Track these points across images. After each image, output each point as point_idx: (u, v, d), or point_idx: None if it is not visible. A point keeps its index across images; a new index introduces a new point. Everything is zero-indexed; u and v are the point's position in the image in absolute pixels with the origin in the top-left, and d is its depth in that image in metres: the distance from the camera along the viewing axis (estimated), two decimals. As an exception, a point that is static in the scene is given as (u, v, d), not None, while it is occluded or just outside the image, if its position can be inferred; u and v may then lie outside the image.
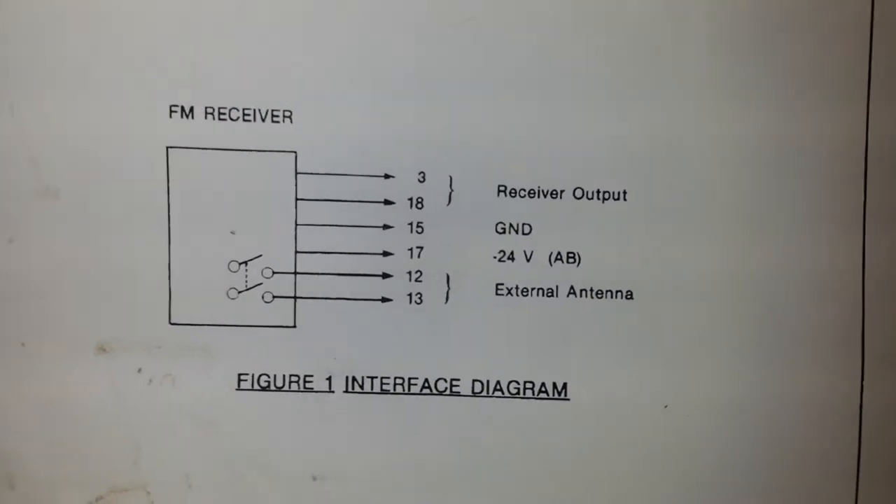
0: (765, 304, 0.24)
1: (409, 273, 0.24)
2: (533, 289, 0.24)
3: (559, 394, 0.24)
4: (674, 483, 0.25)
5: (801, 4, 0.24)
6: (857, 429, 0.25)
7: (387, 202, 0.24)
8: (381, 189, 0.24)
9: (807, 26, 0.24)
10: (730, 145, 0.24)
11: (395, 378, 0.24)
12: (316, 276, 0.24)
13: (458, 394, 0.24)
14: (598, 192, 0.24)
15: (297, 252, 0.24)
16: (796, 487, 0.25)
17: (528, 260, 0.24)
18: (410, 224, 0.24)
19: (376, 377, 0.24)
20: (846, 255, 0.24)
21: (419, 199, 0.24)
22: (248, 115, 0.24)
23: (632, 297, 0.24)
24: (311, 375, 0.24)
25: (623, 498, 0.25)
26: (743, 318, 0.24)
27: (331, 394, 0.24)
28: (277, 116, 0.24)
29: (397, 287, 0.24)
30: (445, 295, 0.24)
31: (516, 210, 0.24)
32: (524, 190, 0.24)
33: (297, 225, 0.24)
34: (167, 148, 0.24)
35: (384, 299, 0.24)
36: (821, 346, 0.24)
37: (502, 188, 0.24)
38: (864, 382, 0.24)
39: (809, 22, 0.24)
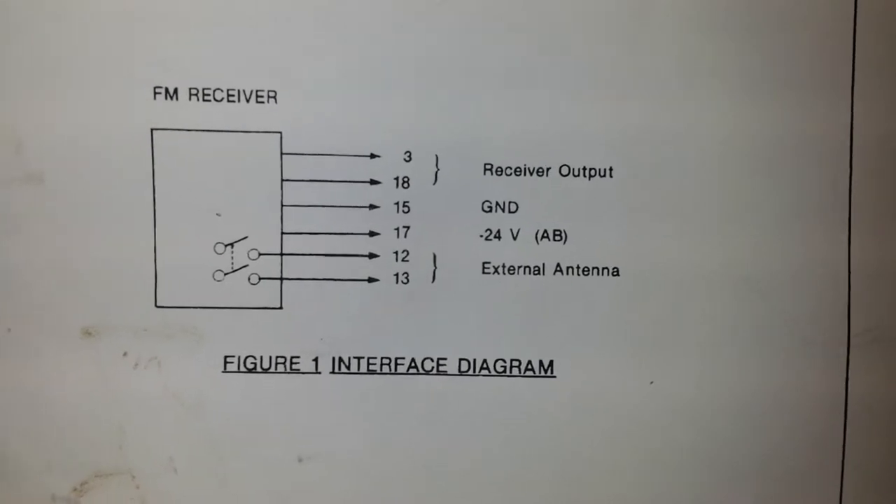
0: (751, 281, 0.24)
1: (396, 253, 0.24)
2: (519, 267, 0.24)
3: (545, 371, 0.24)
4: (660, 459, 0.25)
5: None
6: (842, 407, 0.25)
7: (373, 182, 0.24)
8: (367, 169, 0.24)
9: (792, 20, 0.24)
10: (715, 127, 0.24)
11: (382, 358, 0.24)
12: (302, 256, 0.24)
13: (444, 373, 0.24)
14: (585, 169, 0.24)
15: (283, 233, 0.24)
16: (782, 463, 0.25)
17: (514, 238, 0.24)
18: (397, 204, 0.24)
19: (363, 357, 0.24)
20: (832, 240, 0.24)
21: (405, 179, 0.24)
22: (233, 95, 0.24)
23: (618, 275, 0.24)
24: (298, 357, 0.24)
25: (609, 474, 0.25)
26: (729, 295, 0.24)
27: (317, 375, 0.24)
28: (262, 97, 0.24)
29: (384, 267, 0.24)
30: (432, 274, 0.24)
31: (502, 188, 0.24)
32: (510, 168, 0.24)
33: (282, 206, 0.24)
34: (151, 130, 0.23)
35: (371, 279, 0.24)
36: (806, 327, 0.24)
37: (488, 166, 0.24)
38: (850, 366, 0.25)
39: (795, 16, 0.24)
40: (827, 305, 0.24)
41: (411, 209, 0.24)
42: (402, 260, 0.24)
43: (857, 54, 0.24)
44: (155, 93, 0.23)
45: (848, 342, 0.24)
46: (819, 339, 0.24)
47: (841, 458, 0.25)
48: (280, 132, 0.24)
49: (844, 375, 0.25)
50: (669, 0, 0.24)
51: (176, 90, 0.23)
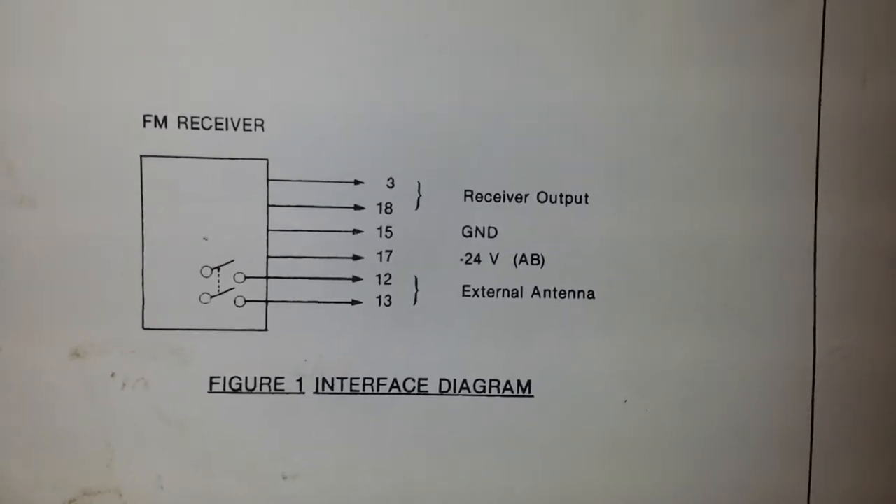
0: (721, 292, 0.25)
1: (379, 276, 0.25)
2: (498, 290, 0.25)
3: (524, 391, 0.25)
4: (635, 474, 0.25)
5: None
6: (810, 392, 0.25)
7: (357, 207, 0.24)
8: (351, 195, 0.24)
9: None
10: (684, 134, 0.25)
11: (365, 379, 0.25)
12: (287, 280, 0.24)
13: (425, 392, 0.25)
14: (561, 195, 0.25)
15: (268, 257, 0.24)
16: (752, 470, 0.25)
17: (493, 262, 0.25)
18: (380, 228, 0.25)
19: (346, 378, 0.25)
20: (799, 221, 0.25)
21: (388, 204, 0.24)
22: (221, 123, 0.24)
23: (593, 297, 0.25)
24: (282, 377, 0.25)
25: (587, 491, 0.25)
26: (699, 310, 0.25)
27: (301, 395, 0.25)
28: (249, 125, 0.24)
29: (367, 290, 0.25)
30: (414, 297, 0.25)
31: (482, 214, 0.25)
32: (489, 194, 0.25)
33: (268, 230, 0.24)
34: (141, 156, 0.24)
35: (354, 302, 0.25)
36: (774, 326, 0.25)
37: (469, 193, 0.25)
38: (817, 343, 0.25)
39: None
40: (794, 283, 0.25)
41: (394, 234, 0.25)
42: (385, 283, 0.25)
43: (826, 30, 0.25)
44: (145, 120, 0.24)
45: (814, 316, 0.25)
46: (787, 323, 0.25)
47: (809, 440, 0.25)
48: (267, 159, 0.24)
49: (812, 351, 0.25)
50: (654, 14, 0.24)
51: (165, 118, 0.24)
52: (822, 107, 0.25)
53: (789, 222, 0.25)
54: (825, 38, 0.25)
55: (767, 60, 0.25)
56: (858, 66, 0.25)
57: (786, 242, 0.25)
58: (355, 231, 0.24)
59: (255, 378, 0.25)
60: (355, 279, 0.24)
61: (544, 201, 0.25)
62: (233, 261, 0.24)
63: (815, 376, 0.25)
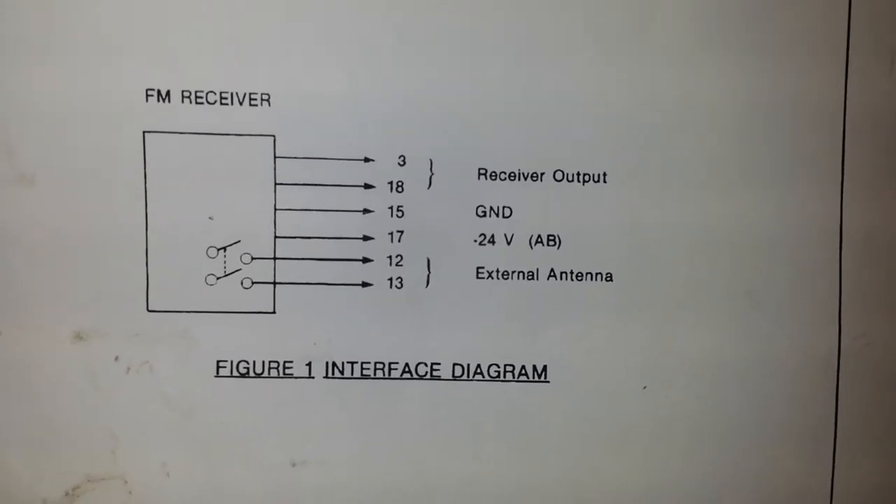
0: (744, 279, 0.25)
1: (390, 257, 0.24)
2: (513, 272, 0.24)
3: (539, 377, 0.24)
4: (653, 463, 0.25)
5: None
6: (834, 380, 0.25)
7: (367, 186, 0.24)
8: (361, 173, 0.24)
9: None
10: (708, 118, 0.24)
11: (376, 363, 0.24)
12: (296, 261, 0.24)
13: (438, 378, 0.24)
14: (579, 174, 0.24)
15: (276, 237, 0.24)
16: (774, 460, 0.25)
17: (508, 243, 0.24)
18: (391, 208, 0.24)
19: (356, 362, 0.24)
20: (824, 208, 0.24)
21: (399, 183, 0.24)
22: (226, 98, 0.23)
23: (611, 280, 0.24)
24: (291, 361, 0.24)
25: (603, 479, 0.25)
26: (721, 296, 0.24)
27: (311, 379, 0.24)
28: (255, 100, 0.24)
29: (378, 272, 0.24)
30: (426, 279, 0.24)
31: (497, 193, 0.24)
32: (504, 173, 0.24)
33: (276, 210, 0.24)
34: (144, 132, 0.23)
35: (364, 284, 0.24)
36: (798, 314, 0.25)
37: (483, 171, 0.24)
38: (842, 331, 0.25)
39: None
40: (820, 277, 0.25)
41: (405, 213, 0.24)
42: (396, 264, 0.24)
43: (852, 23, 0.24)
44: (147, 95, 0.23)
45: (839, 311, 0.25)
46: (811, 316, 0.25)
47: (834, 416, 0.25)
48: (273, 135, 0.24)
49: (836, 348, 0.25)
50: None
51: (168, 93, 0.23)
52: (847, 92, 0.24)
53: (814, 209, 0.24)
54: (851, 21, 0.24)
55: (792, 43, 0.24)
56: (886, 49, 0.24)
57: (811, 229, 0.24)
58: (365, 211, 0.24)
59: (263, 362, 0.24)
60: (366, 260, 0.24)
61: (561, 180, 0.24)
62: (239, 241, 0.24)
63: (840, 364, 0.25)
